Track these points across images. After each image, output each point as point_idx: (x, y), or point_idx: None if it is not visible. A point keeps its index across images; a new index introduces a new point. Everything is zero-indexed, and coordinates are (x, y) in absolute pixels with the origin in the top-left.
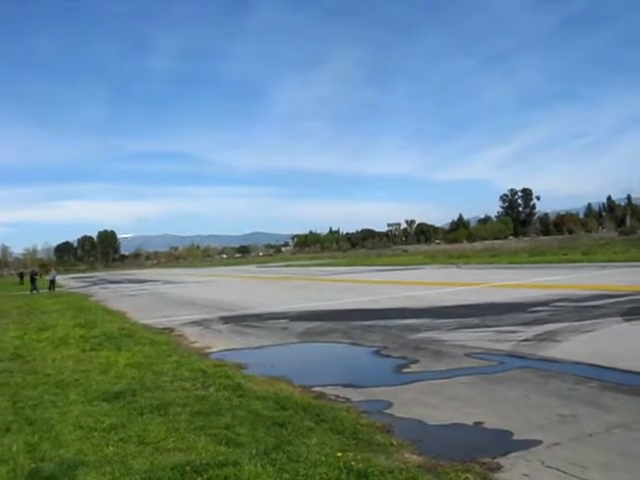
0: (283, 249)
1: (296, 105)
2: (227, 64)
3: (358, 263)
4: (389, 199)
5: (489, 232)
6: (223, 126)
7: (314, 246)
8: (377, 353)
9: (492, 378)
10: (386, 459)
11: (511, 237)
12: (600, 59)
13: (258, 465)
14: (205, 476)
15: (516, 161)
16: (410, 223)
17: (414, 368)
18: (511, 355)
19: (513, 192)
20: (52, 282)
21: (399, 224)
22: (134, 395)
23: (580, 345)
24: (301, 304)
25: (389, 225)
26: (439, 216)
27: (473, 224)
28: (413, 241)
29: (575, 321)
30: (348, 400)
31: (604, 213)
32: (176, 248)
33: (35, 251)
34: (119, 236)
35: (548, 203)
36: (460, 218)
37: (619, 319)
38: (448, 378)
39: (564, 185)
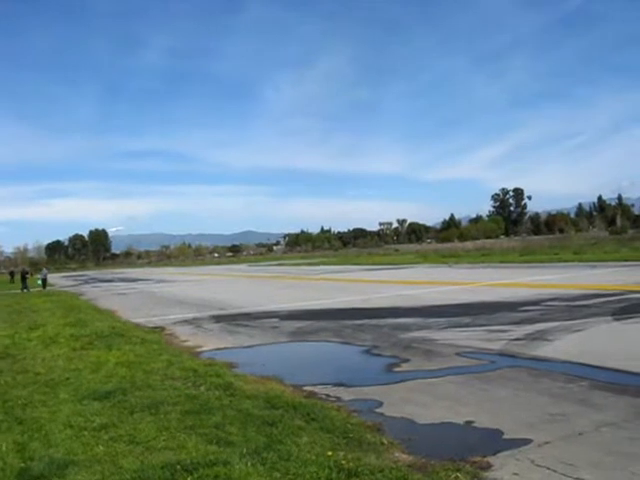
0: (274, 248)
1: (288, 103)
2: (219, 62)
3: (349, 262)
4: (381, 198)
5: (480, 231)
6: (215, 124)
7: (305, 245)
8: (368, 352)
9: (483, 377)
10: (376, 458)
11: (502, 236)
12: (591, 59)
13: (249, 464)
14: (195, 475)
15: (507, 160)
16: (401, 222)
17: (405, 367)
18: (502, 354)
19: (504, 191)
20: (44, 281)
21: (390, 223)
22: (125, 394)
23: (570, 344)
24: (292, 303)
25: (381, 224)
26: (430, 215)
27: (464, 223)
28: (404, 240)
29: (566, 320)
30: (339, 399)
31: (595, 213)
32: (167, 247)
33: (26, 250)
34: (109, 230)
35: (539, 203)
36: (451, 217)
37: (609, 318)
38: (439, 377)
39: (555, 185)
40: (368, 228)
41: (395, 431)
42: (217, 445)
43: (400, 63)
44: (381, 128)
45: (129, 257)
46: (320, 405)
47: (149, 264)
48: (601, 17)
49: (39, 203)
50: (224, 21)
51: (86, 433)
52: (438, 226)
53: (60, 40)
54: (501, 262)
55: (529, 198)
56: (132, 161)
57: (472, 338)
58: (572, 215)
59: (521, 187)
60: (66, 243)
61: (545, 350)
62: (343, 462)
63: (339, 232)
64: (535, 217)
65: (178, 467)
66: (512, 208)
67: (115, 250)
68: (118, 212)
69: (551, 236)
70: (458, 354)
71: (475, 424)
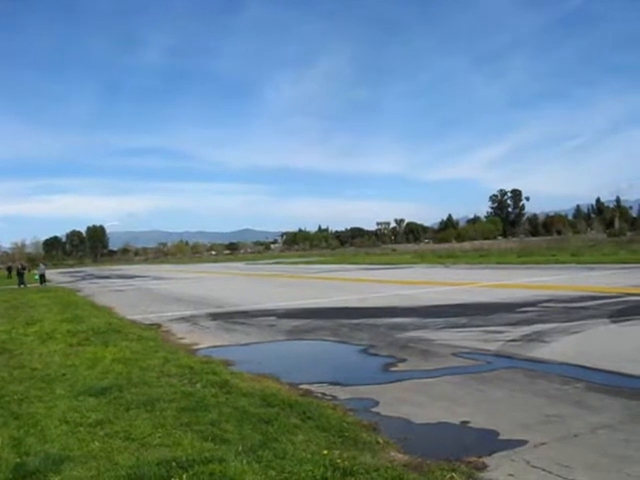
0: (272, 246)
1: (287, 103)
2: (218, 61)
3: (347, 261)
4: (379, 198)
5: (478, 232)
6: (213, 123)
7: (303, 244)
8: (364, 351)
9: (479, 378)
10: (372, 457)
11: (500, 237)
12: (591, 59)
13: (244, 462)
14: (191, 472)
15: (506, 161)
16: (399, 222)
17: (401, 367)
18: (498, 355)
19: (502, 192)
20: (42, 277)
21: (388, 223)
22: (121, 391)
23: (567, 346)
24: (289, 302)
25: (378, 224)
26: (428, 215)
27: (462, 224)
28: (402, 240)
29: (563, 322)
30: (335, 398)
31: (593, 215)
32: (165, 244)
33: (24, 245)
34: (107, 225)
35: (537, 204)
36: (449, 218)
37: (606, 320)
38: (435, 377)
39: (553, 186)
40: (366, 227)
41: (391, 430)
42: (213, 442)
43: (400, 63)
44: (380, 128)
45: (126, 254)
46: (316, 404)
47: (146, 261)
48: (601, 17)
49: (37, 199)
50: (224, 20)
51: (82, 429)
52: (436, 226)
53: (59, 38)
54: (498, 263)
55: (527, 199)
56: (131, 158)
57: (469, 339)
58: (570, 217)
59: (519, 188)
60: (64, 239)
61: (542, 351)
62: (338, 461)
63: (337, 231)
64: (533, 218)
65: (173, 464)
66: (510, 209)
67: (113, 247)
68: (116, 209)
69: (549, 237)
70: (455, 354)
71: (471, 424)
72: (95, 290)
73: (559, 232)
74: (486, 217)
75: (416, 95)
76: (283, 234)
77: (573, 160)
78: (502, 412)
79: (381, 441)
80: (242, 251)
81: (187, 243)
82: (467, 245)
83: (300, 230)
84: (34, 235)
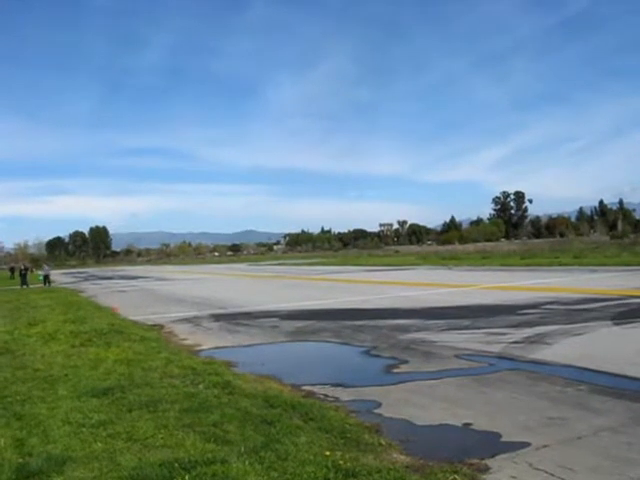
0: (275, 248)
1: (289, 103)
2: (220, 61)
3: (349, 263)
4: (381, 199)
5: (481, 234)
6: (216, 123)
7: (306, 245)
8: (367, 353)
9: (481, 380)
10: (374, 459)
11: (503, 239)
12: (594, 63)
13: (246, 463)
14: (193, 473)
15: (509, 163)
16: (402, 224)
17: (404, 368)
18: (501, 357)
19: (505, 194)
20: (46, 277)
21: (391, 224)
22: (123, 391)
23: (570, 348)
24: (292, 303)
25: (381, 225)
26: (431, 217)
27: (465, 226)
28: (405, 242)
29: (565, 324)
30: (337, 399)
31: (596, 217)
32: (168, 245)
33: (26, 246)
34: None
35: (540, 206)
36: (452, 220)
37: (609, 323)
38: (437, 379)
39: (557, 188)
40: (368, 229)
41: (393, 432)
42: (215, 443)
43: (402, 64)
44: (382, 129)
45: (129, 255)
46: (318, 405)
47: (149, 262)
48: (603, 21)
49: (40, 199)
50: (226, 20)
51: (84, 430)
52: (439, 228)
53: (61, 36)
54: (501, 265)
55: (530, 201)
56: (134, 159)
57: (471, 340)
58: (573, 219)
59: (522, 190)
60: (67, 240)
61: (544, 353)
62: (341, 462)
63: (339, 232)
64: (536, 220)
65: (176, 465)
66: (513, 211)
67: (115, 248)
68: (119, 209)
69: (552, 240)
70: (457, 356)
71: (473, 426)
72: (98, 291)
73: (562, 234)
74: (489, 219)
75: (418, 96)
76: (286, 235)
77: (576, 162)
78: (504, 414)
79: (383, 443)
80: (245, 252)
81: (190, 244)
82: (470, 247)
83: (303, 231)
84: (37, 236)
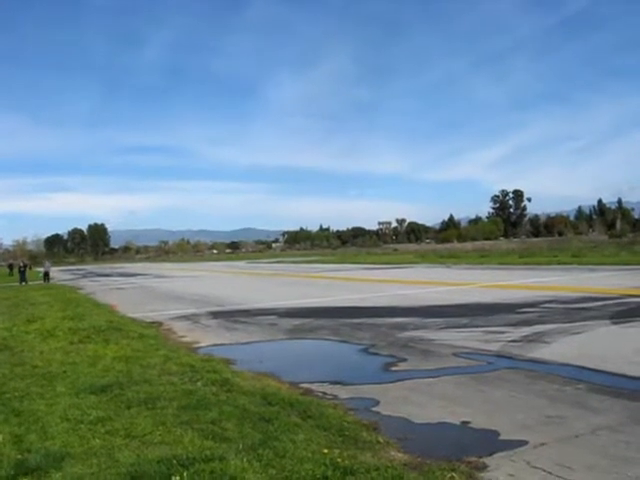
0: (273, 245)
1: (289, 102)
2: (220, 60)
3: (348, 261)
4: (380, 198)
5: (479, 232)
6: (215, 121)
7: (304, 243)
8: (365, 351)
9: (480, 378)
10: (372, 456)
11: (501, 238)
12: (593, 62)
13: (244, 460)
14: (191, 470)
15: (508, 162)
16: (401, 222)
17: (402, 366)
18: (499, 355)
19: (504, 193)
20: (46, 274)
21: (390, 223)
22: (121, 388)
23: (568, 347)
24: (290, 300)
25: (380, 223)
26: (430, 216)
27: (464, 224)
28: (403, 240)
29: (564, 323)
30: (335, 397)
31: (595, 216)
32: (166, 242)
33: (25, 243)
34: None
35: (539, 205)
36: (451, 218)
37: (607, 322)
38: (435, 377)
39: (555, 187)
40: (367, 227)
41: (391, 430)
42: (213, 440)
43: (402, 63)
44: (382, 128)
45: (128, 252)
46: (316, 403)
47: (148, 259)
48: (603, 20)
49: (39, 196)
50: (226, 18)
51: (83, 426)
52: (437, 226)
53: (61, 34)
54: (500, 263)
55: (529, 200)
56: (133, 156)
57: (469, 339)
58: (572, 218)
59: (521, 189)
60: (65, 237)
61: (542, 352)
62: (339, 460)
63: (338, 231)
64: (535, 219)
65: (174, 462)
66: (512, 210)
67: (114, 245)
68: (118, 207)
69: (550, 238)
70: (455, 354)
71: (471, 425)
72: (96, 288)
73: (560, 233)
74: (488, 218)
75: (418, 95)
76: (284, 233)
77: (575, 162)
78: (502, 412)
79: (381, 440)
80: (243, 250)
81: (189, 242)
82: (468, 245)
83: (301, 229)
84: (35, 233)
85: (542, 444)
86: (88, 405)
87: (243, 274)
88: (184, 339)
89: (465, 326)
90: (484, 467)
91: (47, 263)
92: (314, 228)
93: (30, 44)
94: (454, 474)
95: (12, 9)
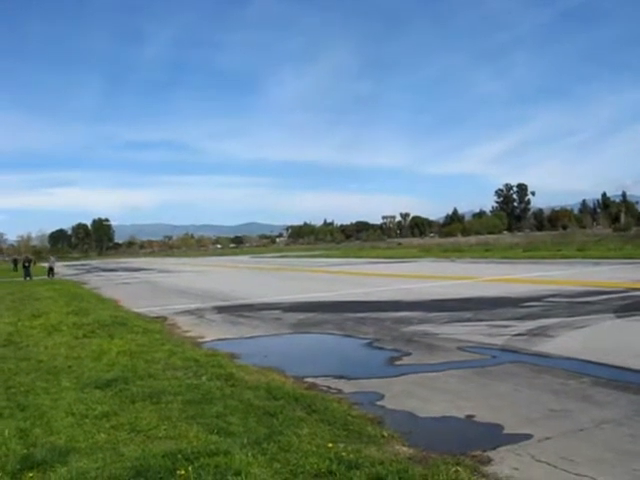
0: (277, 240)
1: (291, 96)
2: (222, 54)
3: (352, 255)
4: (384, 192)
5: (483, 226)
6: (219, 116)
7: (308, 237)
8: (370, 345)
9: (484, 372)
10: (377, 450)
11: (505, 232)
12: (595, 56)
13: (249, 454)
14: (196, 464)
15: (511, 156)
16: (405, 216)
17: (406, 361)
18: (503, 349)
19: (508, 187)
20: (51, 269)
21: (394, 217)
22: (126, 383)
23: (572, 341)
24: (295, 295)
25: (384, 218)
26: (434, 210)
27: (468, 218)
28: (407, 234)
29: (568, 317)
30: (340, 391)
31: (599, 210)
32: (170, 237)
33: (29, 238)
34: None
35: (543, 199)
36: (455, 212)
37: (612, 315)
38: (440, 371)
39: (559, 181)
40: (371, 221)
41: (396, 424)
42: (218, 435)
43: (403, 57)
44: (384, 122)
45: (132, 247)
46: (321, 397)
47: (152, 254)
48: (604, 15)
49: (43, 192)
50: (228, 13)
51: (88, 421)
52: (441, 220)
53: (63, 30)
54: (504, 257)
55: (533, 194)
56: (136, 151)
57: (474, 333)
58: (576, 212)
59: (525, 183)
60: (69, 232)
61: (547, 346)
62: (343, 454)
63: (342, 225)
64: (538, 213)
65: (179, 456)
66: (516, 204)
67: (118, 240)
68: (122, 202)
69: (554, 232)
70: (460, 348)
71: (476, 418)
72: (100, 283)
73: (565, 227)
74: (491, 211)
75: (420, 89)
76: (288, 227)
77: (579, 155)
78: (507, 406)
79: (386, 434)
80: (247, 244)
81: (193, 236)
82: (472, 239)
83: (305, 224)
84: (40, 228)
85: (547, 438)
86: (93, 400)
87: (247, 269)
88: (188, 334)
89: (469, 320)
90: (489, 461)
91: (52, 258)
92: (318, 222)
93: (33, 40)
94: (459, 468)
95: (16, 5)
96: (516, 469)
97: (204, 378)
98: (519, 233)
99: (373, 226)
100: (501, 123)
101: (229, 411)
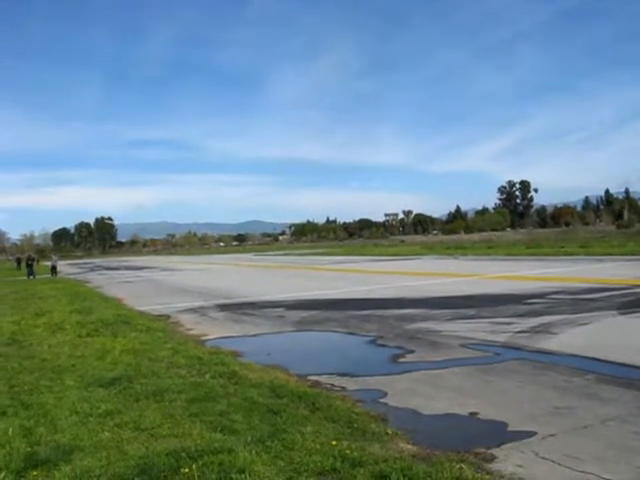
0: (280, 238)
1: (292, 94)
2: (224, 52)
3: (355, 253)
4: (386, 189)
5: (486, 223)
6: (221, 114)
7: (311, 235)
8: (373, 342)
9: (487, 369)
10: (381, 448)
11: (508, 229)
12: (598, 52)
13: (253, 452)
14: (200, 462)
15: (514, 153)
16: (407, 213)
17: (409, 358)
18: (507, 346)
19: (511, 184)
20: (53, 268)
21: (396, 214)
22: (130, 381)
23: (576, 337)
24: (298, 293)
25: (386, 215)
26: (436, 207)
27: (470, 215)
28: (410, 231)
29: (571, 314)
30: (343, 389)
31: (602, 206)
32: (173, 235)
33: (32, 237)
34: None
35: (546, 195)
36: (457, 209)
37: (615, 312)
38: (443, 368)
39: (562, 178)
40: (374, 219)
41: (399, 421)
42: (222, 433)
43: (405, 55)
44: (386, 119)
45: (135, 245)
46: (325, 395)
47: (155, 252)
48: (607, 10)
49: (46, 191)
50: (229, 11)
51: (92, 419)
52: (444, 218)
53: (65, 29)
54: (507, 254)
55: (536, 191)
56: (139, 150)
57: (477, 330)
58: (579, 208)
59: (528, 179)
60: (72, 231)
61: (550, 343)
62: (347, 451)
63: (345, 223)
64: (541, 210)
65: (183, 454)
66: (518, 200)
67: (121, 238)
68: (125, 200)
69: (557, 229)
70: (463, 346)
71: (479, 416)
72: (104, 281)
73: (567, 224)
74: (494, 209)
75: (421, 87)
76: (291, 226)
77: (582, 152)
78: (511, 404)
79: (390, 432)
80: (250, 242)
81: (195, 234)
82: (475, 236)
83: (308, 221)
84: (43, 227)
85: (551, 435)
86: (97, 398)
87: (250, 267)
88: (192, 332)
89: (472, 317)
90: (492, 458)
91: (54, 257)
92: (321, 220)
93: (34, 38)
94: (462, 465)
95: (17, 3)
96: (520, 466)
97: (207, 376)
98: (522, 230)
99: (376, 224)
100: (503, 120)
101: (233, 409)
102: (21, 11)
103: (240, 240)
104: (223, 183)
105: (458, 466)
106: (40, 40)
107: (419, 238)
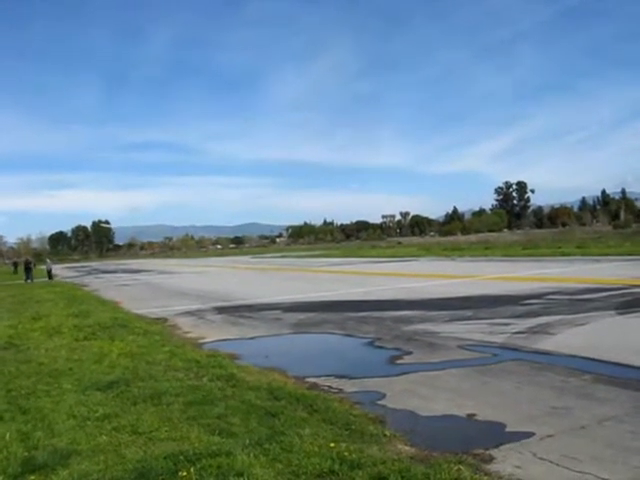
0: (277, 240)
1: (291, 96)
2: (222, 54)
3: (352, 254)
4: (384, 191)
5: (483, 225)
6: (218, 116)
7: (308, 237)
8: (371, 344)
9: (485, 370)
10: (379, 450)
11: (505, 230)
12: (598, 52)
13: (251, 455)
14: (198, 465)
15: (511, 154)
16: (404, 215)
17: (407, 359)
18: (504, 347)
19: (508, 185)
20: (49, 272)
21: (393, 216)
22: (127, 385)
23: (573, 338)
24: (295, 295)
25: (383, 217)
26: (433, 208)
27: (467, 217)
28: (407, 233)
29: (568, 314)
30: (341, 391)
31: (598, 207)
32: (170, 238)
33: (29, 240)
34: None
35: (543, 196)
36: (454, 210)
37: (612, 312)
38: (441, 370)
39: (559, 179)
40: (371, 221)
41: (397, 423)
42: (220, 436)
43: (404, 56)
44: (384, 121)
45: (132, 248)
46: (323, 397)
47: (152, 255)
48: (606, 10)
49: (42, 194)
50: (228, 12)
51: (89, 423)
52: (441, 219)
53: (63, 30)
54: (504, 255)
55: (532, 192)
56: (136, 152)
57: (474, 331)
58: (575, 209)
59: (525, 180)
60: (69, 234)
61: (548, 344)
62: (346, 453)
63: (342, 224)
64: (538, 211)
65: (181, 457)
66: (515, 201)
67: (118, 241)
68: (121, 203)
69: (554, 230)
70: (460, 347)
71: (477, 417)
72: (101, 285)
73: (564, 224)
74: (491, 210)
75: (421, 87)
76: (288, 228)
77: (578, 152)
78: (508, 404)
79: (388, 434)
80: (247, 245)
81: (193, 237)
82: (472, 238)
83: (305, 223)
84: (40, 230)
85: (548, 435)
86: (94, 402)
87: (247, 269)
88: (189, 335)
89: (470, 318)
90: (491, 459)
91: (48, 261)
92: (318, 222)
93: (33, 39)
94: (461, 467)
95: (17, 4)
96: (518, 467)
97: (205, 379)
98: (519, 231)
99: (373, 225)
100: (501, 121)
101: (230, 412)
102: (21, 12)
103: (237, 242)
104: (222, 185)
105: (456, 467)
106: (40, 41)
107: (416, 240)
